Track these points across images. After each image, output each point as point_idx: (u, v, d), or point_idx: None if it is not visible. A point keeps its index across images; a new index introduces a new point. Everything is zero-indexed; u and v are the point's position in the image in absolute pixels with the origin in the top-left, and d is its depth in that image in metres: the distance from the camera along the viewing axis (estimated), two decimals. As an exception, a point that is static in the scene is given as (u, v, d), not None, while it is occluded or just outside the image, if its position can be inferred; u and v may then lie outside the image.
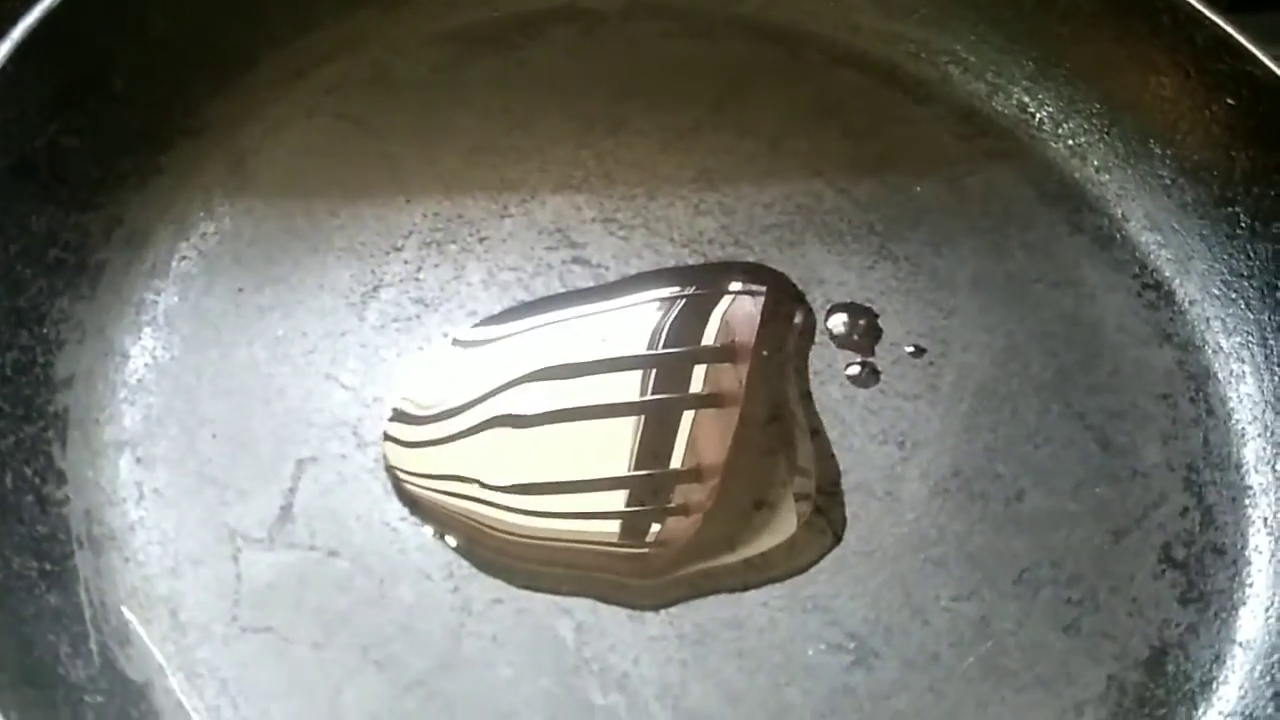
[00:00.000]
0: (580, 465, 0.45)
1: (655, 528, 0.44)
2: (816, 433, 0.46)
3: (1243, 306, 0.50)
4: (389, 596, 0.41)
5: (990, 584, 0.44)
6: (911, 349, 0.49)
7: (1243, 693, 0.42)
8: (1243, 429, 0.48)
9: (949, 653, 0.42)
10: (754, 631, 0.42)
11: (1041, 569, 0.44)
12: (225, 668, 0.39)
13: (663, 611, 0.42)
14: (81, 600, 0.39)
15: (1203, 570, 0.45)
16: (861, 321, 0.49)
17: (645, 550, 0.44)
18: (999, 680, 0.42)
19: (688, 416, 0.46)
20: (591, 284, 0.49)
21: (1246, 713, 0.42)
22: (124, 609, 0.40)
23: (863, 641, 0.42)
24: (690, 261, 0.50)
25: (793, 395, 0.47)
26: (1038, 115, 0.56)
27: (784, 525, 0.44)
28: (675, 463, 0.45)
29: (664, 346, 0.48)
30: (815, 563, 0.43)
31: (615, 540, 0.44)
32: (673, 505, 0.44)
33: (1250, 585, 0.45)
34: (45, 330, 0.44)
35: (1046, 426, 0.47)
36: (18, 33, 0.44)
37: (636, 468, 0.45)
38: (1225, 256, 0.50)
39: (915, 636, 0.42)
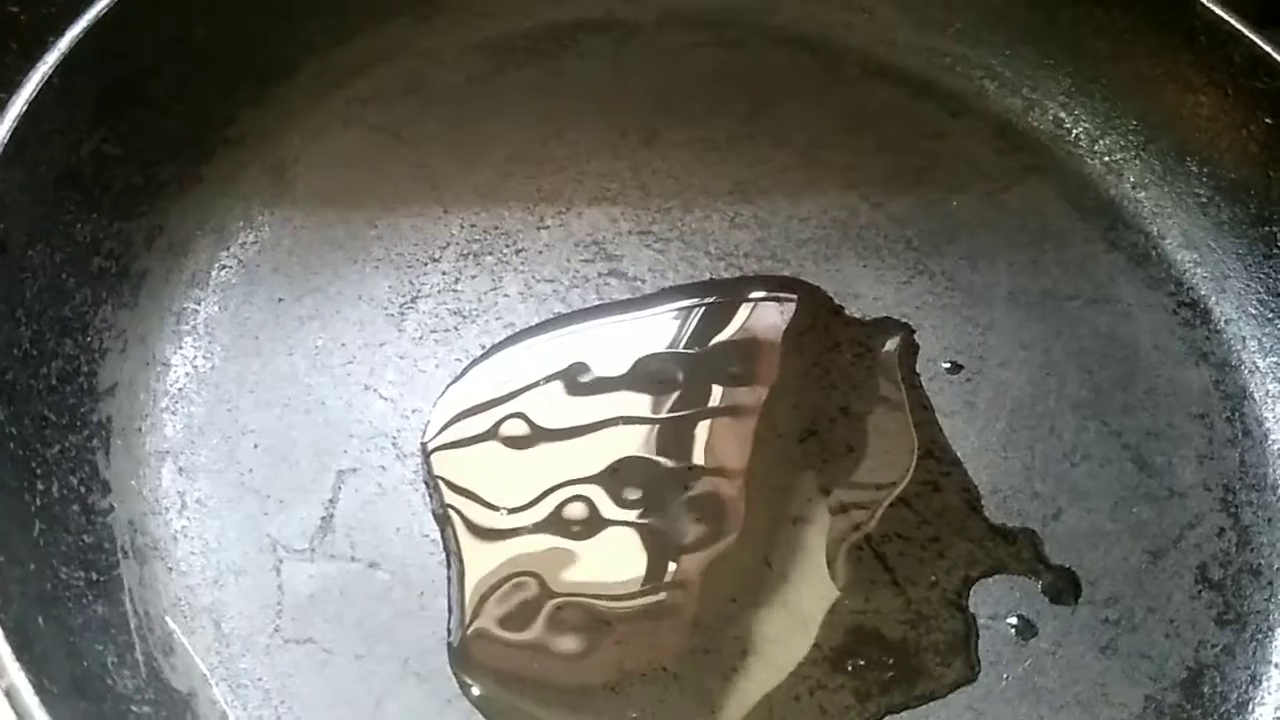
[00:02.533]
0: (609, 477, 0.45)
1: (687, 532, 0.44)
2: (853, 449, 0.46)
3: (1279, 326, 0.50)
4: (429, 609, 0.42)
5: (1027, 602, 0.43)
6: (948, 365, 0.49)
7: (1279, 715, 0.42)
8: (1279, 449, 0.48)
9: (987, 671, 0.42)
10: (792, 648, 0.42)
11: (1079, 588, 0.44)
12: (268, 678, 0.40)
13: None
14: (127, 610, 0.39)
15: (1239, 591, 0.45)
16: (898, 337, 0.49)
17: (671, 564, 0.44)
18: (1037, 699, 0.42)
19: (722, 428, 0.47)
20: (628, 296, 0.49)
21: (1284, 735, 0.42)
22: (168, 619, 0.40)
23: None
24: (726, 275, 0.50)
25: (829, 411, 0.47)
26: (1074, 131, 0.56)
27: (819, 540, 0.44)
28: (704, 475, 0.45)
29: (700, 358, 0.48)
30: (849, 575, 0.43)
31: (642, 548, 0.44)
32: (701, 514, 0.44)
33: (1288, 607, 0.45)
34: (89, 339, 0.44)
35: (1083, 445, 0.47)
36: (64, 43, 0.44)
37: (666, 478, 0.45)
38: (1262, 275, 0.50)
39: (953, 654, 0.42)
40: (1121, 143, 0.55)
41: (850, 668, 0.42)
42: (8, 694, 0.32)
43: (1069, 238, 0.53)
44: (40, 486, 0.39)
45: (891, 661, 0.42)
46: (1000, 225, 0.53)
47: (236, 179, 0.50)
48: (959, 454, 0.46)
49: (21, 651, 0.33)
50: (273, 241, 0.49)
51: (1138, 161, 0.54)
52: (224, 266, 0.48)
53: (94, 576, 0.39)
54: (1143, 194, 0.54)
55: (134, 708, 0.36)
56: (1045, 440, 0.47)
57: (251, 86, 0.51)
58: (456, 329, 0.48)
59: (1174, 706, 0.42)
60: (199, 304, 0.47)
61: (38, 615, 0.36)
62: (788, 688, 0.41)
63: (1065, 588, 0.44)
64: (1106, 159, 0.55)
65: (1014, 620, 0.43)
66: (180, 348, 0.46)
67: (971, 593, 0.44)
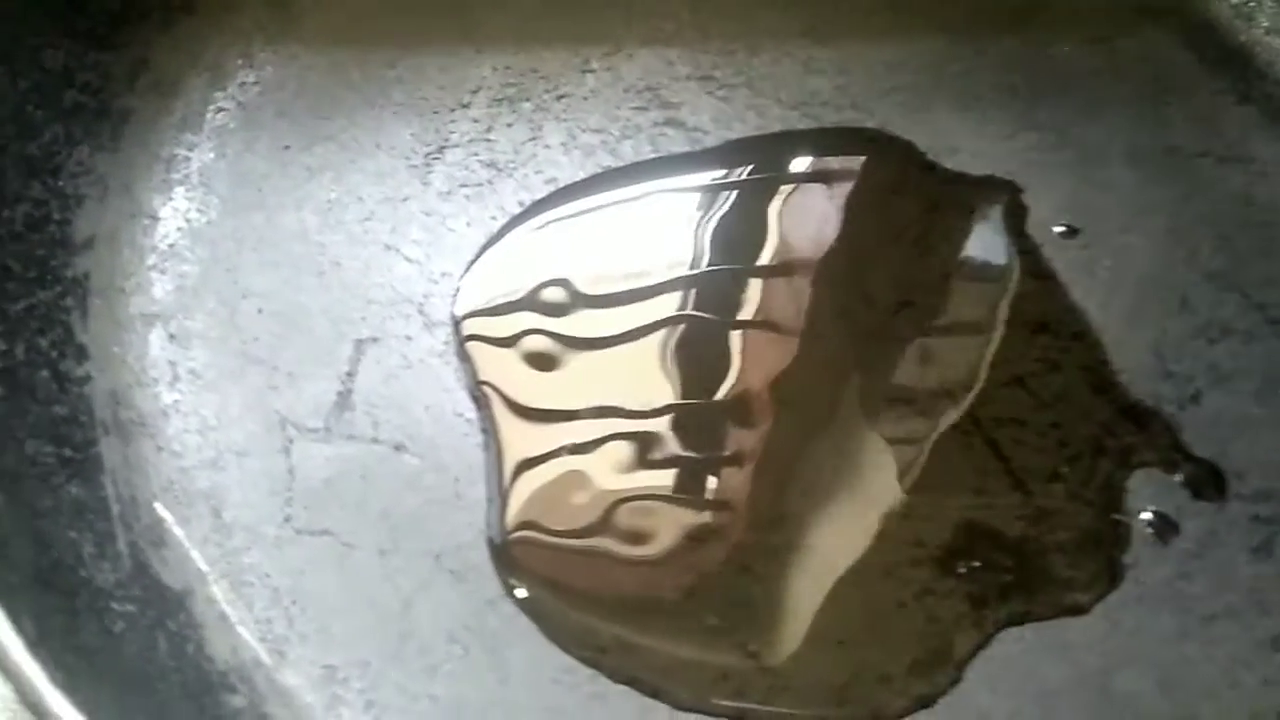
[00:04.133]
0: (674, 354, 0.39)
1: (766, 414, 0.38)
2: (957, 322, 0.40)
3: None
4: (466, 498, 0.35)
5: (1165, 497, 0.37)
6: (1063, 229, 0.42)
7: None
8: None
9: (1124, 576, 0.36)
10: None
11: (1224, 482, 0.37)
12: (277, 575, 0.34)
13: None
14: (108, 494, 0.33)
15: None
16: (1004, 197, 0.42)
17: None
18: (1182, 608, 0.35)
19: (804, 299, 0.40)
20: (688, 149, 0.43)
21: None
22: (157, 505, 0.34)
23: (1023, 560, 0.36)
24: (801, 126, 0.44)
25: (926, 279, 0.41)
26: (1197, -32, 0.48)
27: (921, 425, 0.38)
28: (787, 351, 0.39)
29: (773, 222, 0.41)
30: (957, 464, 0.37)
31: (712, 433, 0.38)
32: (784, 394, 0.38)
33: None
34: (61, 183, 0.38)
35: (1222, 320, 0.41)
36: None
37: (741, 354, 0.39)
38: None
39: (1083, 555, 0.36)
40: (1254, -18, 0.47)
41: (963, 570, 0.35)
42: (-48, 582, 0.26)
43: (1194, 89, 0.46)
44: (1, 346, 0.33)
45: (1011, 564, 0.36)
46: (1115, 74, 0.46)
47: (234, 9, 0.43)
48: (1079, 327, 0.40)
49: (-29, 532, 0.27)
50: (276, 82, 0.43)
51: (1272, 2, 0.47)
52: (220, 109, 0.42)
53: (67, 453, 0.33)
54: (1278, 40, 0.47)
55: (114, 604, 0.30)
56: (1178, 315, 0.41)
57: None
58: (490, 183, 0.41)
59: (1340, 617, 0.36)
60: (191, 150, 0.41)
61: (-5, 492, 0.29)
62: (890, 592, 0.35)
63: (1208, 481, 0.38)
64: (1234, 1, 0.48)
65: (1151, 518, 0.37)
66: (170, 199, 0.40)
67: (1100, 486, 0.37)
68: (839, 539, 0.36)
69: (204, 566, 0.33)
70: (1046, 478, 0.37)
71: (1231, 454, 0.38)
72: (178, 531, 0.33)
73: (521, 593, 0.34)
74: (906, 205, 0.42)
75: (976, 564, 0.35)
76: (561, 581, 0.34)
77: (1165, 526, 0.37)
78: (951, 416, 0.38)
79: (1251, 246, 0.42)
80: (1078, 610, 0.35)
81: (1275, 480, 0.38)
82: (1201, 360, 0.40)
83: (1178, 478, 0.38)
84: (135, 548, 0.32)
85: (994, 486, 0.37)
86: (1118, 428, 0.38)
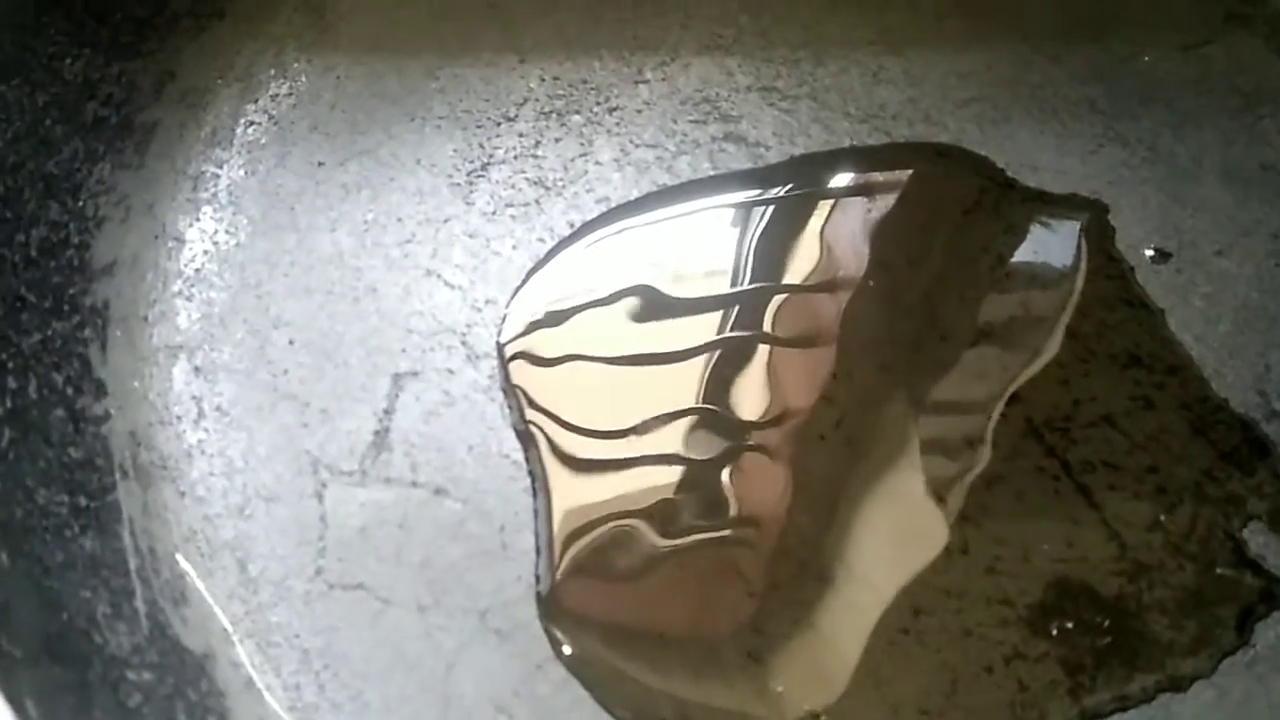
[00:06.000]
0: (732, 386, 0.36)
1: (833, 455, 0.35)
2: (1039, 353, 0.37)
3: None
4: (512, 548, 0.33)
5: (1275, 550, 0.34)
6: (1153, 252, 0.39)
7: None
8: None
9: (1233, 639, 0.33)
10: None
11: (1338, 532, 0.34)
12: (307, 635, 0.32)
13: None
14: (125, 546, 0.31)
15: None
16: (1088, 217, 0.39)
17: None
18: (1288, 670, 0.32)
19: (872, 328, 0.37)
20: (749, 166, 0.40)
21: None
22: (179, 557, 0.32)
23: (1121, 621, 0.33)
24: (870, 141, 0.41)
25: (1005, 307, 0.38)
26: (1290, -29, 0.45)
27: (1003, 469, 0.35)
28: (852, 385, 0.36)
29: (838, 245, 0.39)
30: (1045, 513, 0.34)
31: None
32: (850, 433, 0.35)
33: None
34: (81, 203, 0.35)
35: (1331, 352, 0.37)
36: None
37: (803, 389, 0.36)
38: None
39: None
40: (1352, -15, 0.44)
41: (1055, 631, 0.32)
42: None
43: (1290, 101, 0.43)
44: (12, 384, 0.31)
45: (1107, 624, 0.32)
46: (1204, 86, 0.43)
47: (266, 17, 0.41)
48: (1174, 360, 0.37)
49: (-29, 600, 0.24)
50: (311, 94, 0.40)
51: (1374, 8, 0.44)
52: (251, 123, 0.39)
53: (82, 502, 0.31)
54: (1380, 49, 0.43)
55: (129, 674, 0.28)
56: (1281, 347, 0.37)
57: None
58: (538, 202, 0.39)
59: None
60: (220, 167, 0.39)
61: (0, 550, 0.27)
62: (976, 655, 0.32)
63: (1320, 531, 0.34)
64: (1332, 6, 0.44)
65: (1259, 573, 0.34)
66: (197, 220, 0.38)
67: (1203, 538, 0.34)
68: (915, 597, 0.33)
69: (228, 625, 0.31)
70: (1144, 528, 0.34)
71: (1346, 502, 0.35)
72: (200, 586, 0.31)
73: (569, 650, 0.31)
74: (984, 226, 0.39)
75: (1069, 625, 0.32)
76: (615, 642, 0.32)
77: (1276, 584, 0.34)
78: (1037, 459, 0.35)
79: (1360, 273, 0.39)
80: (1181, 681, 0.32)
81: (1395, 531, 0.35)
82: (1310, 398, 0.37)
83: (1287, 529, 0.34)
84: (154, 606, 0.30)
85: (1086, 538, 0.34)
86: (1220, 473, 0.35)
